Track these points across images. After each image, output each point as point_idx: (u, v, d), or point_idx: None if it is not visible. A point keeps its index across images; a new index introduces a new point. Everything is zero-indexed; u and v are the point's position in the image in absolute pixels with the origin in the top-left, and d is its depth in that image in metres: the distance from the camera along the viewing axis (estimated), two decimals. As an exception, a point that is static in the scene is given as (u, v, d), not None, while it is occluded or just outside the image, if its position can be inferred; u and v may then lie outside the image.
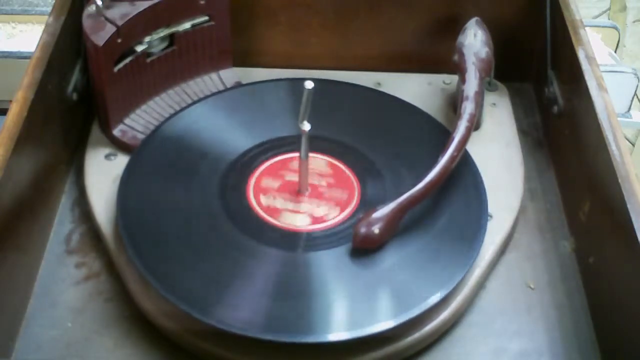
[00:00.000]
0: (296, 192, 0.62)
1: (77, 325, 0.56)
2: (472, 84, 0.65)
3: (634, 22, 1.68)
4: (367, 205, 0.61)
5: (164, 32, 0.68)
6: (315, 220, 0.60)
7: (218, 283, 0.55)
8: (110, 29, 0.63)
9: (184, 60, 0.71)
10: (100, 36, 0.62)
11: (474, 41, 0.67)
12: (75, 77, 0.68)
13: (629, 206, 0.52)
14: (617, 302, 0.54)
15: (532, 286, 0.60)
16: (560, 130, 0.68)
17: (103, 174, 0.65)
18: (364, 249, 0.57)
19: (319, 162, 0.65)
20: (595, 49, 0.66)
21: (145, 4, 0.65)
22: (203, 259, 0.57)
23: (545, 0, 0.72)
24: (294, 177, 0.63)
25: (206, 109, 0.68)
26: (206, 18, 0.70)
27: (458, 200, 0.61)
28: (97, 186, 0.64)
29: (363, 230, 0.57)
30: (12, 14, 1.04)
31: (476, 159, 0.64)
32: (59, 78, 0.65)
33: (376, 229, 0.57)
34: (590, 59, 0.64)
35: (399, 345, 0.54)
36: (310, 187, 0.62)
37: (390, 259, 0.57)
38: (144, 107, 0.69)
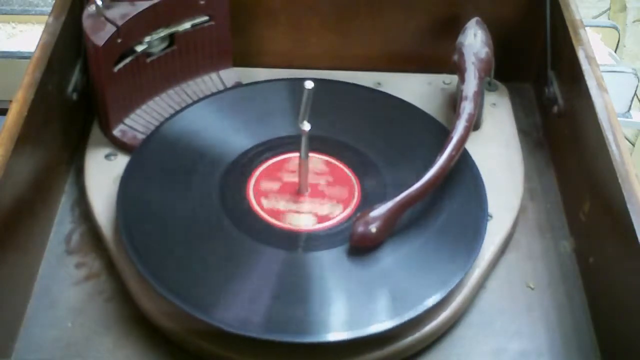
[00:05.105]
0: (296, 192, 0.62)
1: (77, 325, 0.56)
2: (471, 84, 0.65)
3: (634, 22, 1.67)
4: (366, 205, 0.61)
5: (164, 32, 0.68)
6: (315, 220, 0.60)
7: (218, 283, 0.55)
8: (110, 29, 0.63)
9: (184, 60, 0.71)
10: (100, 36, 0.62)
11: (474, 41, 0.67)
12: (75, 77, 0.68)
13: (629, 206, 0.52)
14: (617, 302, 0.54)
15: (532, 286, 0.60)
16: (560, 130, 0.68)
17: (103, 174, 0.65)
18: (363, 248, 0.57)
19: (318, 161, 0.65)
20: (595, 49, 0.66)
21: (145, 4, 0.65)
22: (203, 259, 0.57)
23: (545, 0, 0.72)
24: (293, 177, 0.63)
25: (206, 109, 0.68)
26: (206, 18, 0.70)
27: (458, 200, 0.61)
28: (97, 186, 0.64)
29: (360, 228, 0.57)
30: (12, 14, 1.04)
31: (476, 159, 0.64)
32: (59, 78, 0.65)
33: (373, 228, 0.57)
34: (590, 59, 0.64)
35: (399, 345, 0.54)
36: (310, 187, 0.62)
37: (390, 259, 0.57)
38: (144, 107, 0.69)
